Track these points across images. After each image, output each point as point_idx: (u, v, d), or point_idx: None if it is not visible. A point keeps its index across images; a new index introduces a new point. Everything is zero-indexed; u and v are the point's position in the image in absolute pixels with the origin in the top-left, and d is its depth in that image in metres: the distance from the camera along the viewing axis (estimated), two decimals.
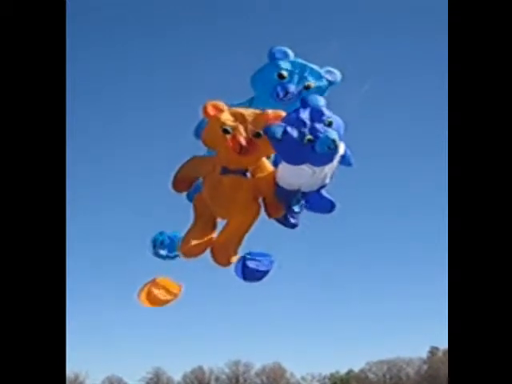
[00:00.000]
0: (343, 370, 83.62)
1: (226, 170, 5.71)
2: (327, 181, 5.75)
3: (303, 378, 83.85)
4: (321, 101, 5.45)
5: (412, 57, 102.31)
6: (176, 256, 6.46)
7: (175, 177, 6.03)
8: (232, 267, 5.99)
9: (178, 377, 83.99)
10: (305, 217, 6.08)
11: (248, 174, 5.73)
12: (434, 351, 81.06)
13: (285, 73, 5.82)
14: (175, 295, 6.34)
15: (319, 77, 5.94)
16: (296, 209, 5.87)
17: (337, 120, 5.45)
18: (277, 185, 5.74)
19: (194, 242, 5.95)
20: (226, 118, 5.60)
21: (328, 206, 6.05)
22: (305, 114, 5.34)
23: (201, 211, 6.02)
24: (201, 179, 6.01)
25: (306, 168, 5.48)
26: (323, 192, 5.94)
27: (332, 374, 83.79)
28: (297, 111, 5.40)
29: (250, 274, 6.02)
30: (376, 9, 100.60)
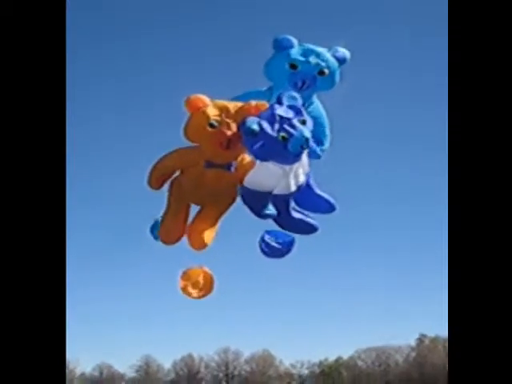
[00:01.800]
0: (332, 358, 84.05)
1: (210, 164, 5.67)
2: (301, 180, 5.72)
3: (292, 366, 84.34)
4: (296, 98, 5.46)
5: (411, 55, 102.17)
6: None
7: (152, 173, 5.91)
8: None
9: (168, 364, 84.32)
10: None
11: (232, 168, 5.71)
12: (422, 338, 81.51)
13: (297, 63, 5.77)
14: (208, 289, 6.28)
15: (329, 59, 5.90)
16: (267, 211, 5.75)
17: (309, 119, 5.46)
18: (245, 189, 5.69)
19: (171, 229, 5.97)
20: (212, 111, 5.53)
21: (327, 207, 6.03)
22: (280, 111, 5.33)
23: (177, 198, 5.94)
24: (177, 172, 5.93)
25: (275, 168, 5.45)
26: (319, 191, 5.94)
27: (321, 362, 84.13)
28: (272, 107, 5.39)
29: (271, 251, 6.05)
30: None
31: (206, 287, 6.23)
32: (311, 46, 5.89)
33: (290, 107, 5.36)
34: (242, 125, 5.30)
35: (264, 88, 5.99)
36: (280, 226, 5.97)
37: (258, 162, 5.54)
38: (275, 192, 5.65)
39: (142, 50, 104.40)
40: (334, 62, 5.90)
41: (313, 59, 5.79)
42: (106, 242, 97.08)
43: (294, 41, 5.86)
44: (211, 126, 5.47)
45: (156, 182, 5.89)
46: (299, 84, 5.77)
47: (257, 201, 5.69)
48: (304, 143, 5.23)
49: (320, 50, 5.90)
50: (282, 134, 5.22)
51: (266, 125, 5.24)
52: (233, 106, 5.58)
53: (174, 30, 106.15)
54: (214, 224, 5.93)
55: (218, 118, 5.49)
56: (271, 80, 5.93)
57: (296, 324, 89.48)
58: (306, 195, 5.89)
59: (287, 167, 5.46)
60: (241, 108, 5.54)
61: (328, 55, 5.89)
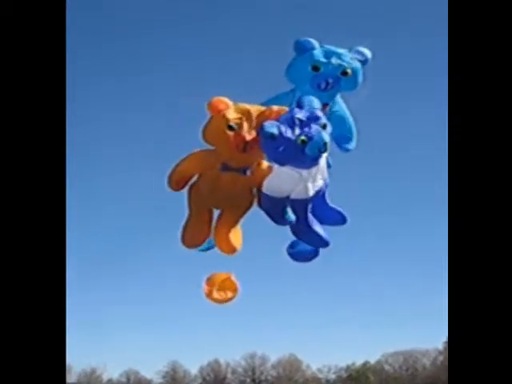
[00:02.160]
0: (359, 362, 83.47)
1: (226, 167, 5.69)
2: (319, 185, 5.73)
3: (319, 370, 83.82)
4: (316, 102, 5.48)
5: (414, 59, 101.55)
6: (210, 248, 6.37)
7: (172, 176, 5.95)
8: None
9: (194, 370, 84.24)
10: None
11: (248, 172, 5.72)
12: None
13: (319, 65, 5.82)
14: (233, 295, 6.37)
15: (351, 60, 5.95)
16: (288, 218, 5.78)
17: (329, 123, 5.46)
18: (263, 195, 5.72)
19: (193, 232, 6.01)
20: (232, 114, 5.54)
21: (338, 218, 6.06)
22: (300, 115, 5.34)
23: (196, 203, 5.98)
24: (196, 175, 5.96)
25: (291, 171, 5.47)
26: (330, 203, 5.96)
27: (348, 366, 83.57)
28: (292, 111, 5.41)
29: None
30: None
31: (231, 291, 6.25)
32: (332, 48, 5.93)
33: (310, 111, 5.37)
34: (260, 128, 5.32)
35: (288, 90, 6.00)
36: (294, 233, 6.00)
37: (275, 167, 5.57)
38: (293, 196, 5.66)
39: (142, 49, 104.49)
40: (356, 63, 5.93)
41: (335, 60, 5.83)
42: (134, 245, 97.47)
43: (315, 43, 5.90)
44: (230, 128, 5.48)
45: (176, 184, 5.94)
46: (323, 85, 5.82)
47: (274, 207, 5.73)
48: (322, 147, 5.25)
49: (341, 50, 5.94)
50: (302, 137, 5.23)
51: (284, 128, 5.25)
52: (254, 109, 5.59)
53: (175, 30, 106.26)
54: (232, 228, 5.96)
55: (237, 121, 5.50)
56: (293, 82, 5.98)
57: (322, 328, 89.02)
58: (318, 206, 5.90)
59: (305, 171, 5.48)
60: (262, 112, 5.56)
61: (350, 56, 5.93)
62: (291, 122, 5.30)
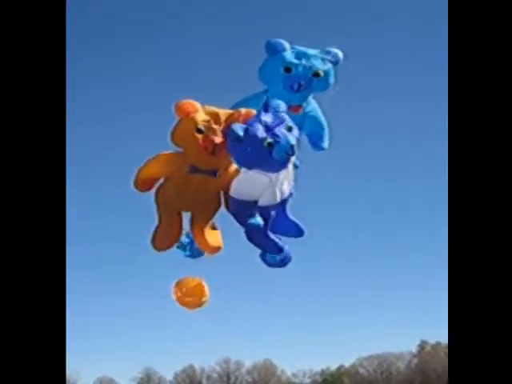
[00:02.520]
0: (334, 366, 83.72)
1: (194, 169, 5.67)
2: (286, 193, 5.75)
3: (294, 375, 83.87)
4: (282, 106, 5.49)
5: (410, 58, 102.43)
6: (198, 255, 6.38)
7: (138, 176, 5.90)
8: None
9: (169, 376, 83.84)
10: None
11: (217, 174, 5.71)
12: (423, 345, 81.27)
13: (291, 66, 5.86)
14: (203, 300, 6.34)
15: (322, 61, 5.98)
16: (256, 222, 5.74)
17: (295, 127, 5.47)
18: (231, 199, 5.70)
19: (163, 236, 6.00)
20: (201, 117, 5.53)
21: (295, 231, 6.04)
22: (267, 118, 5.35)
23: (164, 205, 5.96)
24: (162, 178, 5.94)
25: (261, 176, 5.46)
26: (289, 215, 5.95)
27: (323, 370, 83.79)
28: (259, 114, 5.42)
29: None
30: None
31: (201, 297, 6.23)
32: (303, 49, 5.97)
33: (276, 114, 5.37)
34: (228, 131, 5.33)
35: (261, 91, 6.04)
36: (249, 238, 5.97)
37: (242, 170, 5.56)
38: (261, 202, 5.65)
39: (141, 50, 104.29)
40: (327, 64, 5.97)
41: (307, 62, 5.86)
42: (103, 253, 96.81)
43: (287, 44, 5.93)
44: (199, 131, 5.47)
45: (142, 185, 5.90)
46: (295, 87, 5.84)
47: (242, 210, 5.69)
48: (289, 150, 5.25)
49: (313, 52, 5.97)
50: (268, 140, 5.22)
51: (251, 131, 5.25)
52: (222, 112, 5.59)
53: (168, 29, 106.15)
54: (205, 228, 5.97)
55: (206, 124, 5.49)
56: (266, 83, 6.00)
57: (297, 333, 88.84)
58: (277, 216, 5.89)
59: (273, 176, 5.46)
60: (230, 115, 5.56)
61: (321, 57, 5.96)
62: (257, 125, 5.31)
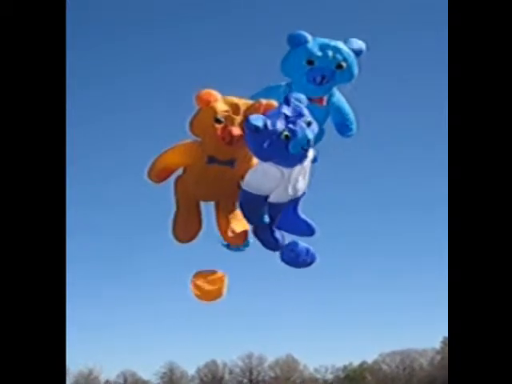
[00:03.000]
0: (356, 362, 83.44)
1: (212, 160, 5.65)
2: (299, 192, 5.67)
3: (316, 370, 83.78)
4: (303, 99, 5.44)
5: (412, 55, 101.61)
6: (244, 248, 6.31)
7: (154, 166, 5.87)
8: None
9: (191, 371, 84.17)
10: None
11: (235, 164, 5.68)
12: (446, 341, 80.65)
13: (314, 59, 5.82)
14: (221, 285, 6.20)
15: (345, 52, 5.94)
16: (264, 219, 5.69)
17: (314, 122, 5.42)
18: (242, 191, 5.62)
19: (185, 227, 5.95)
20: (220, 107, 5.52)
21: (305, 229, 5.94)
22: (286, 110, 5.32)
23: (183, 196, 5.93)
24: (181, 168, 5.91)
25: (274, 169, 5.40)
26: (300, 213, 5.86)
27: (345, 366, 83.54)
28: (279, 107, 5.38)
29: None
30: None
31: (221, 285, 6.18)
32: (326, 40, 5.91)
33: (297, 108, 5.34)
34: (246, 121, 5.30)
35: (283, 83, 6.02)
36: (255, 233, 5.95)
37: (258, 162, 5.52)
38: (271, 199, 5.58)
39: (140, 49, 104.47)
40: (351, 55, 5.92)
41: (330, 54, 5.82)
42: (131, 244, 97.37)
43: (309, 36, 5.88)
44: (217, 121, 5.46)
45: (156, 175, 5.87)
46: (318, 79, 5.80)
47: (250, 203, 5.62)
48: (305, 144, 5.22)
49: (335, 43, 5.92)
50: (285, 133, 5.19)
51: (269, 122, 5.21)
52: (242, 103, 5.58)
53: (178, 25, 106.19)
54: (230, 218, 5.95)
55: (225, 114, 5.48)
56: (289, 76, 5.98)
57: (320, 328, 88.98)
58: (288, 214, 5.83)
59: (286, 171, 5.41)
60: (250, 106, 5.54)
61: (344, 48, 5.91)
62: (277, 117, 5.28)
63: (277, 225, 5.91)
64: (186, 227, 5.97)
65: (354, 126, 6.22)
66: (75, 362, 73.31)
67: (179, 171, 5.95)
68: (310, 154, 5.52)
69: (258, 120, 5.24)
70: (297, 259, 5.95)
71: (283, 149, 5.23)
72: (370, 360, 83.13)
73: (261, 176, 5.51)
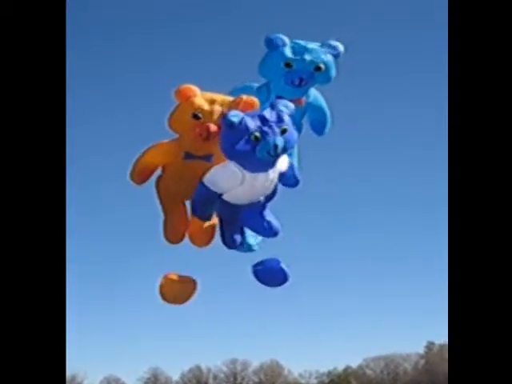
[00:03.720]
0: (341, 367, 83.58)
1: (189, 156, 5.65)
2: (257, 199, 5.63)
3: (301, 375, 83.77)
4: (290, 108, 5.42)
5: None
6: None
7: (135, 167, 5.83)
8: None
9: (176, 376, 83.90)
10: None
11: (212, 159, 5.64)
12: (430, 346, 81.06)
13: (292, 62, 5.86)
14: (192, 289, 6.16)
15: (323, 54, 5.97)
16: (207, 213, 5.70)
17: (292, 133, 5.38)
18: (200, 183, 5.56)
19: (173, 227, 5.93)
20: (199, 102, 5.53)
21: (268, 230, 5.88)
22: (267, 114, 5.28)
23: (166, 195, 5.91)
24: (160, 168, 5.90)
25: (236, 170, 5.36)
26: (266, 214, 5.82)
27: (330, 371, 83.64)
28: (263, 109, 5.37)
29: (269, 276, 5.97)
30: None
31: (190, 291, 6.07)
32: (303, 43, 5.93)
33: (280, 114, 5.28)
34: (223, 116, 5.27)
35: (260, 83, 6.07)
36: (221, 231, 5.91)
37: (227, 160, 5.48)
38: (225, 197, 5.54)
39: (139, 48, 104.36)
40: (328, 57, 5.95)
41: (307, 56, 5.84)
42: (111, 252, 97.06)
43: (286, 39, 5.90)
44: (195, 116, 5.46)
45: (138, 177, 5.83)
46: (296, 82, 5.84)
47: (201, 197, 5.57)
48: (271, 150, 5.16)
49: (313, 45, 5.95)
50: (256, 133, 5.15)
51: (244, 120, 5.18)
52: (221, 99, 5.58)
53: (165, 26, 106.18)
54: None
55: (202, 110, 5.47)
56: (267, 79, 5.99)
57: (304, 333, 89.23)
58: (253, 214, 5.79)
59: (248, 175, 5.36)
60: (229, 102, 5.54)
61: (322, 50, 5.94)
62: (254, 118, 5.25)
63: (240, 223, 5.88)
64: (173, 228, 5.94)
65: (328, 125, 6.30)
66: None
67: (159, 171, 5.93)
68: (282, 166, 5.50)
69: (235, 116, 5.21)
70: (270, 278, 5.96)
71: (250, 151, 5.20)
72: (354, 365, 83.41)
73: (222, 173, 5.46)
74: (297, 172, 5.77)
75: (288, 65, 5.87)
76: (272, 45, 5.92)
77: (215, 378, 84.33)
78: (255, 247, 6.19)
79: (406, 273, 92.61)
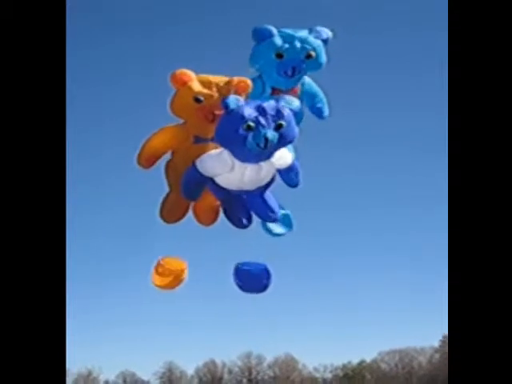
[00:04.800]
0: (355, 361, 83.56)
1: (199, 139, 5.67)
2: (246, 188, 5.61)
3: (315, 369, 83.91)
4: (294, 104, 5.38)
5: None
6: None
7: (143, 152, 5.84)
8: None
9: (190, 370, 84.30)
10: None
11: None
12: (445, 340, 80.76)
13: (283, 52, 5.82)
14: (180, 273, 6.25)
15: (313, 41, 5.93)
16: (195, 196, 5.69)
17: (291, 129, 5.33)
18: (191, 165, 5.55)
19: (172, 208, 5.97)
20: (197, 86, 5.56)
21: (266, 213, 5.90)
22: (267, 106, 5.23)
23: (174, 179, 5.91)
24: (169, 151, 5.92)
25: (228, 158, 5.35)
26: (267, 197, 5.82)
27: (344, 365, 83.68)
28: (266, 99, 5.38)
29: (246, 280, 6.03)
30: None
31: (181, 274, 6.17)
32: (291, 32, 5.87)
33: (278, 108, 5.24)
34: (223, 100, 5.25)
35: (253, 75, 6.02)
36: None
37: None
38: (217, 180, 5.54)
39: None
40: (318, 43, 5.90)
41: (297, 45, 5.80)
42: (127, 245, 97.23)
43: (273, 29, 5.86)
44: (197, 100, 5.49)
45: (146, 161, 5.85)
46: (289, 72, 5.80)
47: (190, 179, 5.57)
48: (261, 141, 5.12)
49: (301, 33, 5.89)
50: (250, 122, 5.11)
51: (241, 108, 5.15)
52: (217, 80, 5.59)
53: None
54: (214, 200, 5.96)
55: (203, 93, 5.50)
56: (259, 71, 5.97)
57: (318, 327, 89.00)
58: (254, 196, 5.79)
59: (238, 164, 5.35)
60: (225, 82, 5.56)
61: (311, 37, 5.90)
62: (252, 107, 5.21)
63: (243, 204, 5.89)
64: (172, 209, 5.98)
65: (326, 108, 6.28)
66: (75, 363, 73.26)
67: (167, 156, 5.95)
68: (283, 162, 5.49)
69: (233, 101, 5.18)
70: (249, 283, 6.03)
71: (241, 140, 5.15)
72: (368, 359, 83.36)
73: (213, 158, 5.46)
74: (299, 173, 5.73)
75: (279, 55, 5.82)
76: (260, 36, 5.86)
77: (230, 372, 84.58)
78: (278, 231, 6.21)
79: (422, 266, 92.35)
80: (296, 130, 5.41)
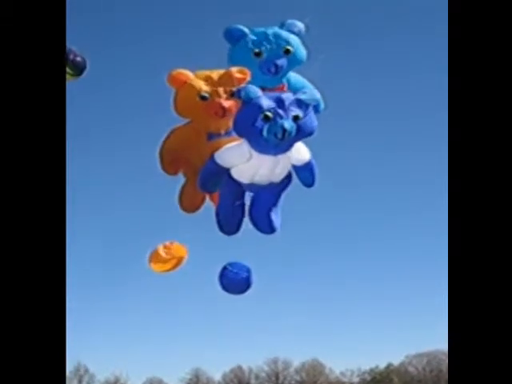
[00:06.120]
0: (383, 365, 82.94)
1: (212, 136, 5.67)
2: (260, 181, 5.58)
3: (342, 374, 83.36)
4: (314, 97, 5.38)
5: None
6: None
7: (163, 160, 5.84)
8: None
9: (217, 376, 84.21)
10: None
11: (233, 133, 5.60)
12: None
13: (260, 50, 5.79)
14: (180, 257, 6.34)
15: (287, 36, 5.88)
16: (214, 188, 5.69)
17: (309, 122, 5.31)
18: (211, 158, 5.55)
19: (191, 197, 6.01)
20: (198, 84, 5.53)
21: (266, 228, 5.88)
22: (286, 98, 5.24)
23: (192, 172, 5.91)
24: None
25: (246, 148, 5.34)
26: (272, 213, 5.80)
27: (371, 369, 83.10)
28: (282, 92, 5.38)
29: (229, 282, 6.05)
30: None
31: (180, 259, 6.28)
32: (262, 29, 5.85)
33: (297, 99, 5.25)
34: (241, 90, 5.24)
35: None
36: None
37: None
38: (232, 172, 5.53)
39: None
40: (293, 38, 5.86)
41: (273, 40, 5.78)
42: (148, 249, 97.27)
43: (245, 28, 5.83)
44: (203, 98, 5.47)
45: (170, 167, 5.89)
46: (273, 70, 5.78)
47: (209, 171, 5.58)
48: (279, 132, 5.09)
49: (273, 30, 5.86)
50: (267, 112, 5.11)
51: (260, 98, 5.16)
52: (215, 74, 5.58)
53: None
54: None
55: (207, 89, 5.48)
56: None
57: (345, 331, 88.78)
58: (255, 207, 5.81)
59: (256, 155, 5.34)
60: (224, 75, 5.55)
61: (284, 32, 5.85)
62: (271, 98, 5.21)
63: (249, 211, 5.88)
64: (192, 198, 6.00)
65: (320, 102, 6.05)
66: (102, 370, 73.72)
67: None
68: (299, 158, 5.47)
69: (251, 92, 5.19)
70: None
71: (258, 131, 5.14)
72: (396, 362, 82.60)
73: (233, 149, 5.47)
74: (315, 173, 5.69)
75: (258, 54, 5.79)
76: (234, 37, 5.82)
77: (257, 377, 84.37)
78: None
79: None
80: (315, 122, 5.39)
